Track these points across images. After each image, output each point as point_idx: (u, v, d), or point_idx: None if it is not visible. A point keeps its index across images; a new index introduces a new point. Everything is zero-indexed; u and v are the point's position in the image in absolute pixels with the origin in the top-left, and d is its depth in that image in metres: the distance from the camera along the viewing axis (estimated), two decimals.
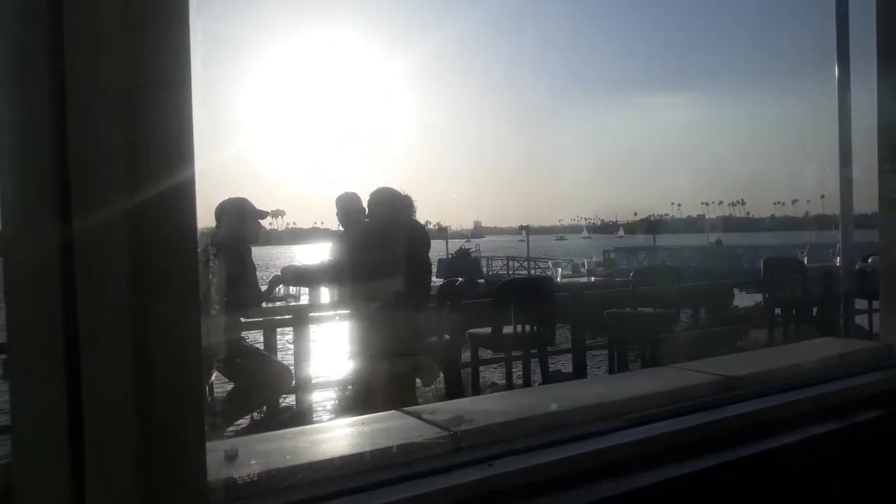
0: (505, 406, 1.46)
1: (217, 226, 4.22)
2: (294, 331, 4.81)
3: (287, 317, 4.95)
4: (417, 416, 1.38)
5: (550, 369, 5.76)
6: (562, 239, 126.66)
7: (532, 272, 25.38)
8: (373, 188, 4.38)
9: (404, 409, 1.42)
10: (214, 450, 1.16)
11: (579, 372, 6.07)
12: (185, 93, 0.96)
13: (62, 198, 0.85)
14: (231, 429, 4.18)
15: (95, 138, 0.88)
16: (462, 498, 1.13)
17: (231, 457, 1.16)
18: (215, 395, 4.37)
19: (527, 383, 5.20)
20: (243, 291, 4.07)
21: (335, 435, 1.29)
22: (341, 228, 5.23)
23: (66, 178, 0.86)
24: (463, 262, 27.75)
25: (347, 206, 5.12)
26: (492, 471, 1.18)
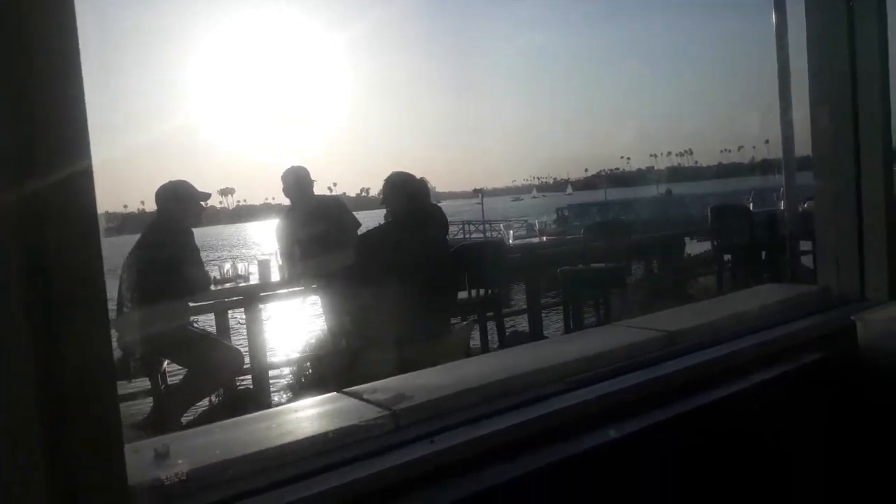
0: (448, 379, 1.44)
1: (156, 211, 4.10)
2: (245, 311, 4.73)
3: (238, 297, 4.85)
4: (358, 396, 1.35)
5: (508, 331, 5.79)
6: (518, 199, 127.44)
7: (487, 235, 25.41)
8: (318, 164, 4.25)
9: (345, 390, 1.39)
10: (142, 449, 1.11)
11: (535, 331, 6.13)
12: (75, 72, 0.88)
13: None
14: (188, 416, 4.12)
15: None
16: (404, 477, 1.11)
17: (162, 455, 1.11)
18: (168, 383, 4.29)
19: (485, 348, 5.22)
20: (187, 276, 3.97)
21: (272, 423, 1.25)
22: (289, 203, 5.13)
23: None
24: None
25: (295, 180, 5.02)
26: (433, 447, 1.15)
